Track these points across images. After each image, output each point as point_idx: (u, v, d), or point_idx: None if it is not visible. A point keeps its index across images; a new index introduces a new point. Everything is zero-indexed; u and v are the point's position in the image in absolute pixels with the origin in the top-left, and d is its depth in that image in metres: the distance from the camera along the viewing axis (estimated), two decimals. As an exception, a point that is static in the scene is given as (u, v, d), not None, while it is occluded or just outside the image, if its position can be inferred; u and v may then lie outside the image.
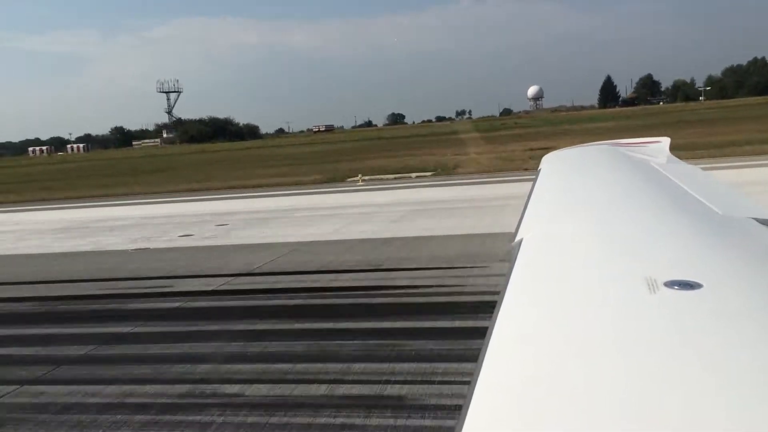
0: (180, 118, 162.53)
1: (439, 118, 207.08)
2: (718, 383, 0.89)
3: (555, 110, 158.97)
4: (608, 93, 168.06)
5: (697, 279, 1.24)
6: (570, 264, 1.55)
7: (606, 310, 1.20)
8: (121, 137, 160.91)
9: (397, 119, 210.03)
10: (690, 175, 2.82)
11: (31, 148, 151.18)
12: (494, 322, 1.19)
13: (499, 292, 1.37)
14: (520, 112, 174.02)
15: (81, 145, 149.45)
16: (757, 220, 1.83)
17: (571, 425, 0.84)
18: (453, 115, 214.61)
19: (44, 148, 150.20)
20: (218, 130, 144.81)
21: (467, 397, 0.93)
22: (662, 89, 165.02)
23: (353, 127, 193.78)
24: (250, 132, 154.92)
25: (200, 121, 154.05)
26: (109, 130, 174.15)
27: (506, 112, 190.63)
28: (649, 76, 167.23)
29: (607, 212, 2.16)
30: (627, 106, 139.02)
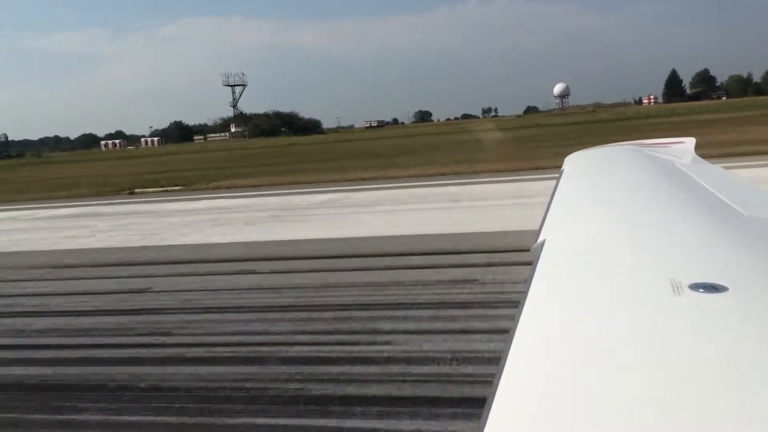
0: (242, 112, 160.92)
1: (466, 116, 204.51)
2: (744, 387, 0.88)
3: (594, 107, 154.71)
4: (674, 87, 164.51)
5: (723, 281, 1.23)
6: (593, 265, 1.54)
7: (630, 312, 1.19)
8: (181, 132, 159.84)
9: (424, 117, 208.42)
10: (715, 175, 2.79)
11: (103, 142, 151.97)
12: (517, 322, 1.19)
13: (523, 293, 1.37)
14: (554, 109, 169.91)
15: (155, 139, 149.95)
16: None
17: (593, 429, 0.83)
18: (479, 113, 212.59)
19: (116, 141, 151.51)
20: (284, 124, 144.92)
21: (489, 399, 0.94)
22: (717, 84, 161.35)
23: (399, 123, 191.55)
24: (313, 126, 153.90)
25: (267, 115, 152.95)
26: (168, 124, 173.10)
27: (532, 110, 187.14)
28: (706, 71, 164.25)
29: (630, 213, 2.14)
30: (693, 101, 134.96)
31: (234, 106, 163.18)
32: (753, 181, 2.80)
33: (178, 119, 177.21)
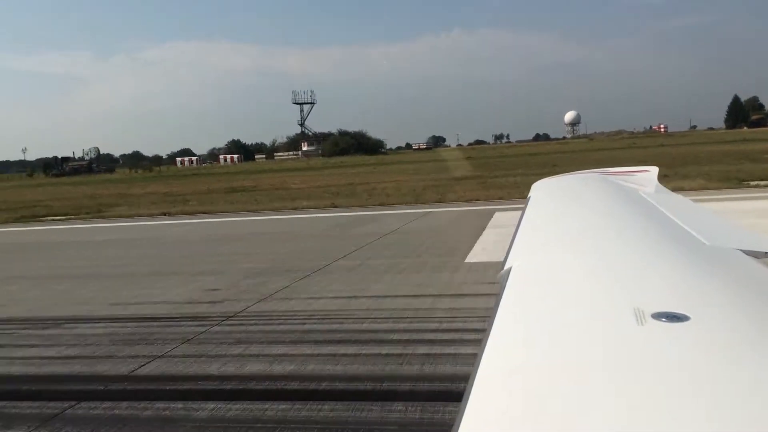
0: (305, 132, 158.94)
1: (479, 141, 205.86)
2: (707, 414, 0.89)
3: (616, 134, 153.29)
4: (738, 113, 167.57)
5: (685, 311, 1.24)
6: (558, 294, 1.56)
7: (593, 341, 1.20)
8: (240, 150, 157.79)
9: (438, 142, 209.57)
10: (678, 204, 2.84)
11: (179, 159, 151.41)
12: (482, 351, 1.19)
13: (487, 321, 1.37)
14: (584, 135, 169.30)
15: (235, 156, 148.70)
16: (743, 251, 1.85)
17: None
18: (491, 140, 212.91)
19: (193, 158, 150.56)
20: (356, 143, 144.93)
21: (454, 428, 0.93)
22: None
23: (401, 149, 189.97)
24: (379, 146, 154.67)
25: (343, 134, 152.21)
26: (226, 143, 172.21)
27: (544, 137, 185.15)
28: (755, 98, 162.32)
29: (595, 241, 2.17)
30: (756, 127, 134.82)
31: (302, 124, 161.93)
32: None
33: (236, 138, 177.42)
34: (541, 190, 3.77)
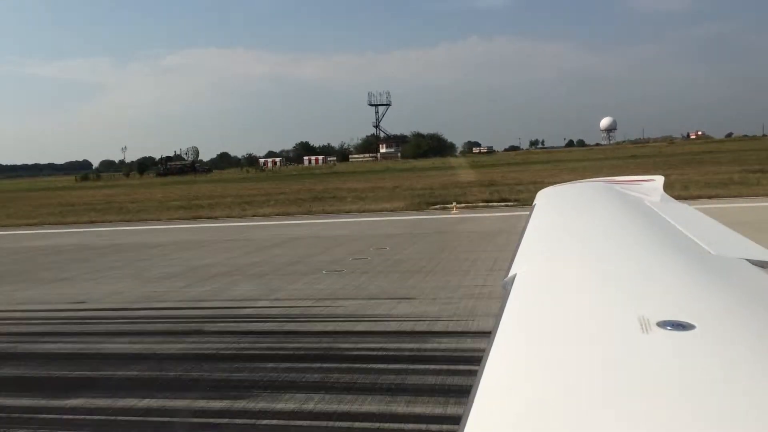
0: (378, 134, 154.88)
1: (513, 147, 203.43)
2: (710, 423, 0.89)
3: (669, 141, 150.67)
4: None
5: (690, 320, 1.24)
6: (563, 302, 1.55)
7: (598, 349, 1.20)
8: (308, 153, 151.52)
9: (472, 147, 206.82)
10: (683, 214, 2.84)
11: (262, 159, 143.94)
12: (487, 357, 1.19)
13: (492, 329, 1.37)
14: (602, 143, 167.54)
15: (278, 159, 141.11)
16: (749, 260, 1.84)
17: None
18: (526, 146, 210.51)
19: (276, 159, 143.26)
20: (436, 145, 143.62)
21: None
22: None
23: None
24: (451, 147, 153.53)
25: (421, 136, 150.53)
26: (293, 146, 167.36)
27: (580, 144, 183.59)
28: None
29: (600, 250, 2.17)
30: None
31: (377, 126, 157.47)
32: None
33: (303, 140, 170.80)
34: (547, 197, 3.77)
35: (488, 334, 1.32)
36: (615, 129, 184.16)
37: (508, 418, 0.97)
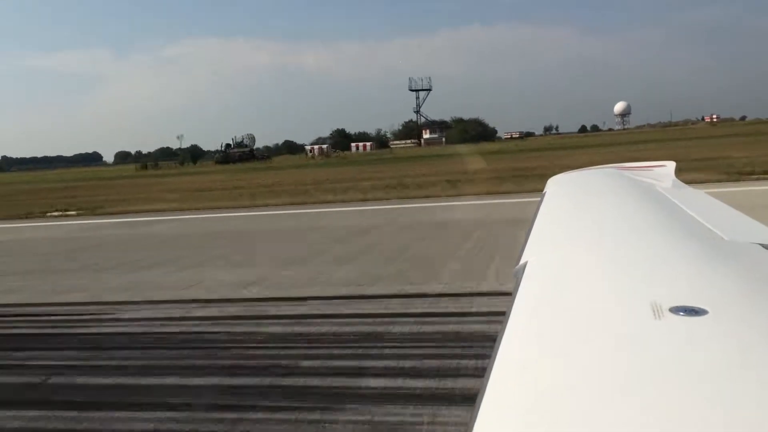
0: (419, 120, 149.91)
1: (528, 133, 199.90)
2: (723, 409, 0.89)
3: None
4: None
5: (703, 305, 1.24)
6: (575, 288, 1.55)
7: (610, 335, 1.20)
8: (345, 140, 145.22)
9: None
10: (695, 199, 2.81)
11: (308, 147, 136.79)
12: (498, 345, 1.19)
13: (504, 315, 1.37)
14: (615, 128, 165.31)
15: (324, 146, 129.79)
16: (763, 245, 1.83)
17: None
18: (540, 131, 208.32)
19: (323, 146, 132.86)
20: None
21: (470, 423, 0.94)
22: None
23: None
24: (493, 133, 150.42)
25: (461, 121, 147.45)
26: (330, 133, 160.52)
27: (593, 129, 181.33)
28: None
29: (612, 236, 2.16)
30: None
31: (417, 111, 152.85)
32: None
33: (340, 127, 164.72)
34: (557, 184, 3.76)
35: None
36: (629, 114, 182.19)
37: (523, 404, 0.98)
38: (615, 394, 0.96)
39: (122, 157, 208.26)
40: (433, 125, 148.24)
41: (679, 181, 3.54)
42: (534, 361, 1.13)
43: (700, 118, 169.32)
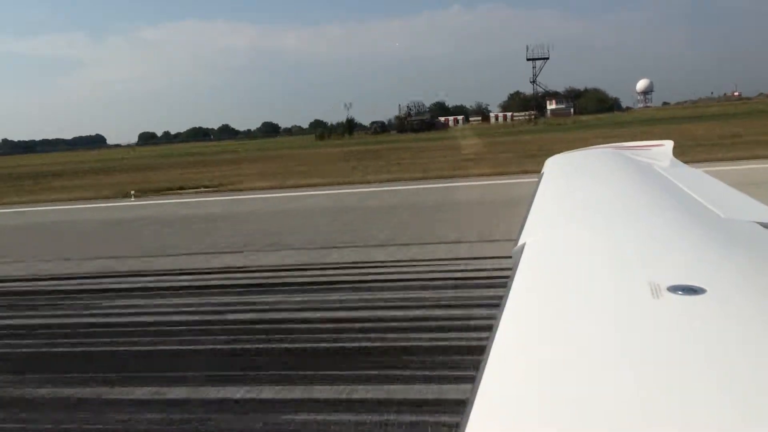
0: (536, 91, 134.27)
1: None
2: (721, 387, 0.89)
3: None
4: None
5: (701, 284, 1.24)
6: (573, 269, 1.55)
7: (609, 314, 1.20)
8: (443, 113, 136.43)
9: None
10: (693, 178, 2.81)
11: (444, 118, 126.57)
12: (497, 326, 1.20)
13: (503, 297, 1.37)
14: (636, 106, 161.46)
15: (507, 114, 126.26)
16: (760, 223, 1.83)
17: (575, 429, 0.84)
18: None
19: (457, 118, 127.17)
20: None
21: (469, 401, 0.94)
22: None
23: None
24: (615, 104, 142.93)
25: (588, 91, 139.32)
26: (429, 106, 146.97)
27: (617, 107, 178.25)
28: None
29: (610, 216, 2.16)
30: None
31: (533, 81, 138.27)
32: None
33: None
34: (555, 165, 3.75)
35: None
36: (652, 91, 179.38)
37: (522, 382, 0.98)
38: (613, 372, 0.97)
39: (146, 138, 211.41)
40: (559, 96, 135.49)
41: (677, 160, 3.55)
42: (533, 340, 1.14)
43: (723, 95, 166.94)
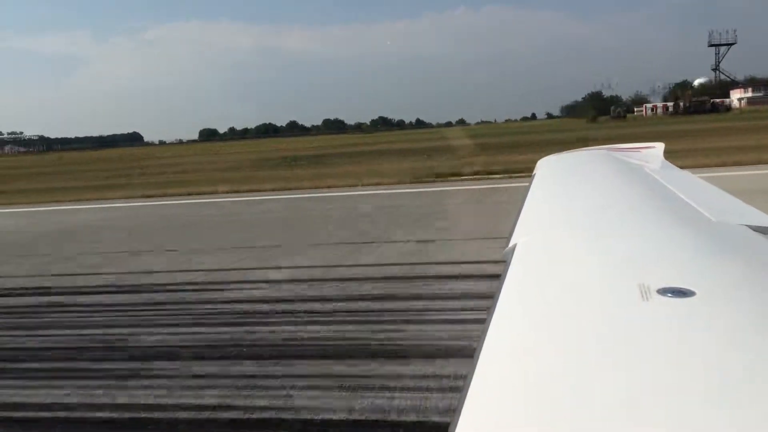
0: (719, 78, 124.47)
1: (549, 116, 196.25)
2: (710, 388, 0.89)
3: None
4: None
5: (690, 286, 1.24)
6: (564, 270, 1.56)
7: (599, 316, 1.20)
8: (596, 104, 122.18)
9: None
10: (684, 181, 2.83)
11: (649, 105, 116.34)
12: (488, 326, 1.20)
13: (493, 297, 1.37)
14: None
15: (660, 104, 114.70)
16: (750, 227, 1.83)
17: (564, 430, 0.84)
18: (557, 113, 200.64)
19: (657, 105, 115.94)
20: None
21: (459, 402, 0.94)
22: None
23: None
24: None
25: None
26: (582, 97, 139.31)
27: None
28: None
29: (601, 218, 2.16)
30: None
31: (716, 68, 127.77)
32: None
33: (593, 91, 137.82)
34: (547, 166, 3.75)
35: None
36: None
37: (511, 384, 0.98)
38: (602, 374, 0.97)
39: (207, 135, 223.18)
40: (754, 83, 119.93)
41: (668, 162, 3.56)
42: (523, 342, 1.14)
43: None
